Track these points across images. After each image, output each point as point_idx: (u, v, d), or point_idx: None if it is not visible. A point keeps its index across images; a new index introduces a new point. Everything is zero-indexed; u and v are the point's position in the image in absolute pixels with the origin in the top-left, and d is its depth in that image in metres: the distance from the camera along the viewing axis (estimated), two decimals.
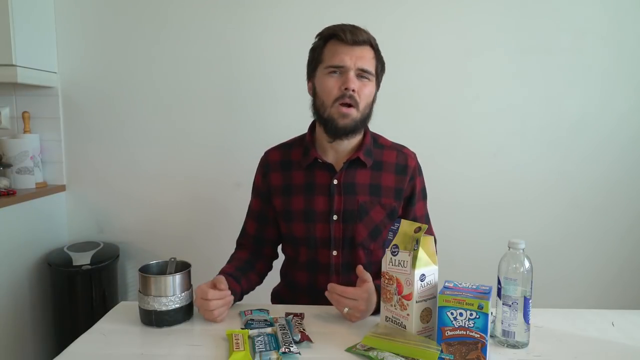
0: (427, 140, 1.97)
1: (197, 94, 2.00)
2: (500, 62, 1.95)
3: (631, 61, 1.94)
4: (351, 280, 1.11)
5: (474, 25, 1.93)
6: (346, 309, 1.01)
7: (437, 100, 1.97)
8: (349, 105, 1.10)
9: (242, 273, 1.17)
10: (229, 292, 1.04)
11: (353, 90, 1.09)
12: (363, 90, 1.11)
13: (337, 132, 1.12)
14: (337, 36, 1.11)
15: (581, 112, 1.97)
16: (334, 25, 1.14)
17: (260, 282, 1.26)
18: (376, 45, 1.15)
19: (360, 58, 1.10)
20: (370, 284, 1.03)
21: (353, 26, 1.12)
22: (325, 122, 1.13)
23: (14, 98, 1.99)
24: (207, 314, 1.01)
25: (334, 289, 1.02)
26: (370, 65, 1.12)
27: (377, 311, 1.03)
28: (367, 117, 1.16)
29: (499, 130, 1.98)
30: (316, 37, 1.17)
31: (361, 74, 1.11)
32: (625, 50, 1.93)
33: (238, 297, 1.12)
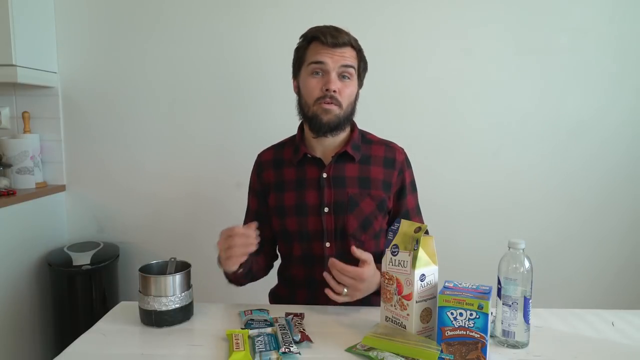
0: (427, 140, 1.97)
1: (197, 94, 2.01)
2: (500, 62, 1.95)
3: (631, 61, 1.94)
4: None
5: (474, 25, 1.93)
6: (345, 290, 1.02)
7: (436, 100, 1.97)
8: (332, 104, 1.13)
9: (250, 255, 1.16)
10: (255, 233, 1.02)
11: (334, 91, 1.12)
12: (345, 90, 1.15)
13: (321, 128, 1.15)
14: (318, 38, 1.14)
15: (581, 112, 1.97)
16: (316, 28, 1.17)
17: (265, 272, 1.29)
18: (358, 46, 1.18)
19: (342, 58, 1.14)
20: (371, 266, 1.03)
21: (335, 28, 1.15)
22: (309, 120, 1.17)
23: (14, 98, 1.99)
24: (229, 254, 1.01)
25: (334, 265, 1.02)
26: (351, 62, 1.15)
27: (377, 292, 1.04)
28: (350, 114, 1.19)
29: (498, 131, 1.98)
30: (300, 38, 1.20)
31: (343, 72, 1.14)
32: (625, 50, 1.93)
33: (248, 267, 1.12)
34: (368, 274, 1.02)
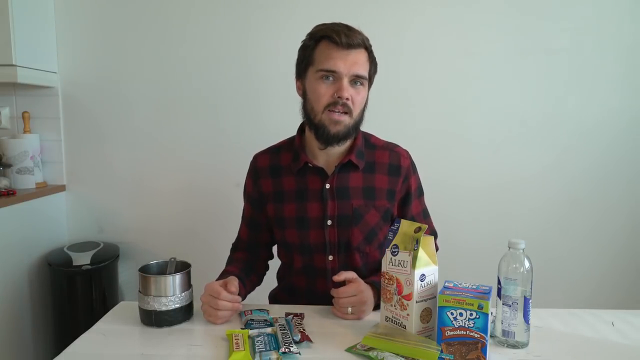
0: (427, 140, 1.97)
1: (197, 93, 2.01)
2: (500, 61, 1.95)
3: (630, 61, 1.94)
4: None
5: (474, 25, 1.93)
6: (350, 309, 1.02)
7: (437, 99, 1.97)
8: (343, 113, 1.07)
9: (245, 275, 1.17)
10: (239, 298, 1.04)
11: (347, 99, 1.05)
12: (356, 97, 1.07)
13: (329, 139, 1.09)
14: (330, 38, 1.05)
15: (581, 112, 1.97)
16: (327, 26, 1.08)
17: (259, 282, 1.27)
18: (370, 46, 1.10)
19: (355, 64, 1.05)
20: (359, 280, 1.05)
21: (347, 27, 1.07)
22: (316, 128, 1.09)
23: (14, 98, 1.99)
24: (211, 314, 1.00)
25: (334, 293, 1.04)
26: (364, 70, 1.07)
27: (377, 307, 1.04)
28: (359, 122, 1.12)
29: (498, 130, 1.99)
30: (307, 36, 1.11)
31: (355, 79, 1.07)
32: (626, 51, 1.93)
33: (242, 299, 1.12)
34: (363, 284, 1.04)
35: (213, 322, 1.01)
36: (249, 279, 1.18)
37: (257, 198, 1.23)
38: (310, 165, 1.15)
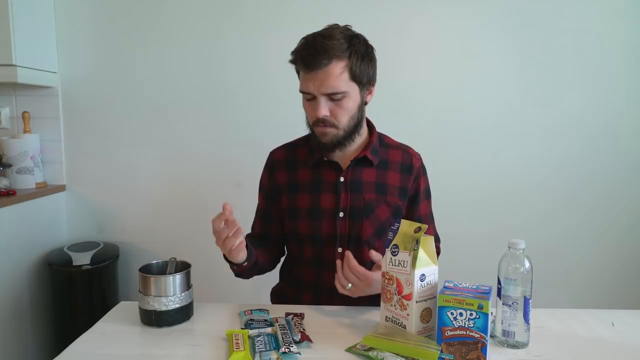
0: (427, 140, 1.96)
1: (197, 93, 2.01)
2: (500, 62, 1.95)
3: (630, 61, 1.94)
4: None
5: (474, 25, 1.93)
6: (349, 285, 1.02)
7: (437, 100, 1.98)
8: (328, 126, 1.11)
9: (253, 246, 1.16)
10: (227, 206, 1.04)
11: (324, 117, 1.09)
12: (338, 111, 1.09)
13: (323, 149, 1.14)
14: (296, 63, 1.09)
15: (581, 112, 1.97)
16: (296, 48, 1.09)
17: (272, 266, 1.29)
18: (348, 50, 1.05)
19: (323, 83, 1.05)
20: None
21: (314, 46, 1.05)
22: (313, 138, 1.16)
23: (14, 98, 1.99)
24: (226, 244, 1.04)
25: (348, 260, 1.01)
26: (336, 85, 1.05)
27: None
28: (354, 126, 1.14)
29: (498, 131, 1.99)
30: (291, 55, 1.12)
31: (331, 97, 1.07)
32: (625, 50, 1.94)
33: (253, 260, 1.12)
34: (376, 279, 1.02)
35: (237, 252, 1.04)
36: (257, 250, 1.17)
37: (270, 190, 1.26)
38: (326, 159, 1.19)
